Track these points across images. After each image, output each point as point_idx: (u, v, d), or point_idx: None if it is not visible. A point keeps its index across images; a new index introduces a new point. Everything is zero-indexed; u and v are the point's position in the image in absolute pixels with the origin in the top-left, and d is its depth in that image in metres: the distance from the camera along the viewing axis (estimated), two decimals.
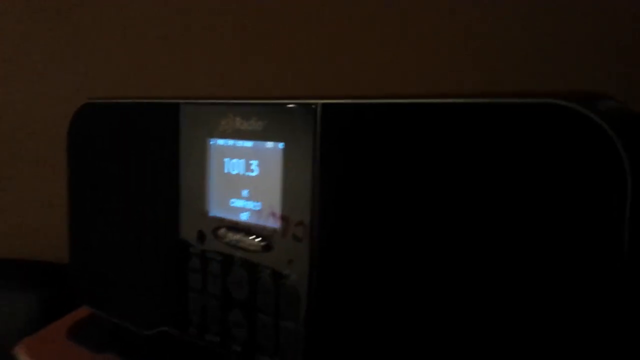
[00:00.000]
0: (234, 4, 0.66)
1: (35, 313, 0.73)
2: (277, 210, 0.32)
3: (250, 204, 0.34)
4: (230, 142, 0.35)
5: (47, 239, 0.83)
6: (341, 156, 0.29)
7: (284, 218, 0.32)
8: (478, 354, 0.25)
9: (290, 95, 0.32)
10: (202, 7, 0.68)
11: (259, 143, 0.33)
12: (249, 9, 0.65)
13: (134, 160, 0.40)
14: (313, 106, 0.30)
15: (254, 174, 0.34)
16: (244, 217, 0.34)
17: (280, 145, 0.32)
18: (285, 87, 0.62)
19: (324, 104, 0.30)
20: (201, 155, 0.36)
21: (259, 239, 0.33)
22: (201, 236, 0.36)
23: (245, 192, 0.34)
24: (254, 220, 0.34)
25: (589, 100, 0.23)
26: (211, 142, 0.36)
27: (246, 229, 0.34)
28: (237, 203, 0.35)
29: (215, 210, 0.36)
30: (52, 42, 0.77)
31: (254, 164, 0.34)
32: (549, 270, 0.23)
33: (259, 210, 0.34)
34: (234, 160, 0.35)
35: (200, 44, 0.68)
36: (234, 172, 0.35)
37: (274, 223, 0.33)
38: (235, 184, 0.35)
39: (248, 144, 0.34)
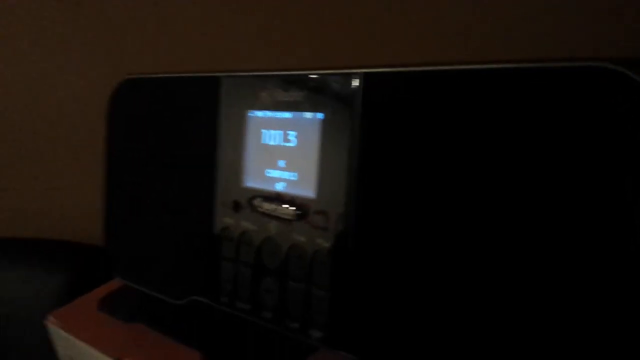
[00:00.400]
0: None
1: (62, 291, 0.74)
2: (314, 179, 0.33)
3: (287, 174, 0.34)
4: (269, 113, 0.35)
5: (74, 220, 0.84)
6: (382, 127, 0.30)
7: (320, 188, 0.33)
8: (504, 331, 0.25)
9: (331, 65, 0.33)
10: None
11: (298, 114, 0.34)
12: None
13: (172, 133, 0.41)
14: (355, 76, 0.31)
15: (291, 144, 0.34)
16: (279, 187, 0.35)
17: (320, 115, 0.33)
18: None
19: (365, 74, 0.30)
20: (239, 127, 0.37)
21: (294, 207, 0.34)
22: (237, 206, 0.37)
23: (281, 163, 0.35)
24: (289, 190, 0.34)
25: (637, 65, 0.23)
26: (249, 114, 0.36)
27: (281, 199, 0.34)
28: (273, 173, 0.35)
29: (252, 180, 0.36)
30: (74, 27, 0.78)
31: (292, 134, 0.34)
32: (601, 236, 0.23)
33: (295, 180, 0.34)
34: (272, 132, 0.35)
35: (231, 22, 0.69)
36: (272, 143, 0.35)
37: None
38: (272, 154, 0.35)
39: (287, 114, 0.34)
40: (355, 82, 0.31)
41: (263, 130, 0.36)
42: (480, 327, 0.26)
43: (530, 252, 0.24)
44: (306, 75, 0.33)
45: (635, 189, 0.22)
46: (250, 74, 0.36)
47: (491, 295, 0.26)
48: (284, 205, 0.34)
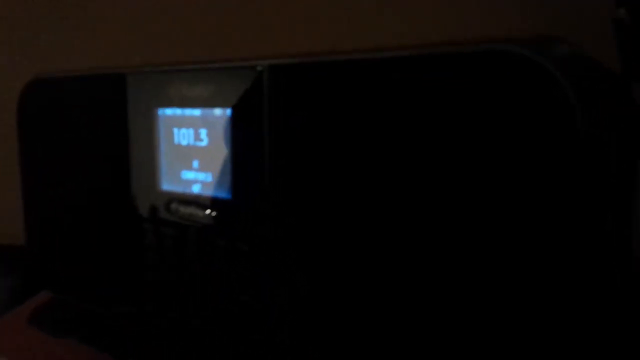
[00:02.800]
0: None
1: (8, 297, 0.71)
2: (228, 180, 0.31)
3: (202, 176, 0.32)
4: (179, 111, 0.33)
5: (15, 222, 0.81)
6: (291, 119, 0.28)
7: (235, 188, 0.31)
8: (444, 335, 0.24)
9: (238, 56, 0.31)
10: None
11: (207, 110, 0.32)
12: None
13: (84, 134, 0.39)
14: (259, 68, 0.29)
15: (203, 143, 0.32)
16: (195, 189, 0.33)
17: (229, 111, 0.31)
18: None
19: (270, 66, 0.28)
20: (150, 126, 0.34)
21: (212, 211, 0.32)
22: (154, 211, 0.35)
23: (195, 163, 0.33)
24: (206, 192, 0.32)
25: (537, 44, 0.21)
26: (159, 112, 0.34)
27: (198, 202, 0.33)
28: (189, 175, 0.33)
29: (167, 183, 0.34)
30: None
31: (203, 133, 0.32)
32: (504, 228, 0.22)
33: (210, 182, 0.32)
34: (183, 130, 0.33)
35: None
36: (184, 143, 0.33)
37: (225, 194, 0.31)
38: (186, 155, 0.33)
39: (196, 112, 0.32)
40: (260, 75, 0.29)
41: (175, 129, 0.33)
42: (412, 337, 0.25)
43: (453, 251, 0.23)
44: (211, 68, 0.31)
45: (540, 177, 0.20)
46: (155, 69, 0.34)
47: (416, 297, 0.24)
48: (202, 210, 0.32)
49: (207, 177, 0.32)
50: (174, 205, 0.34)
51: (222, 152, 0.31)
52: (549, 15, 0.46)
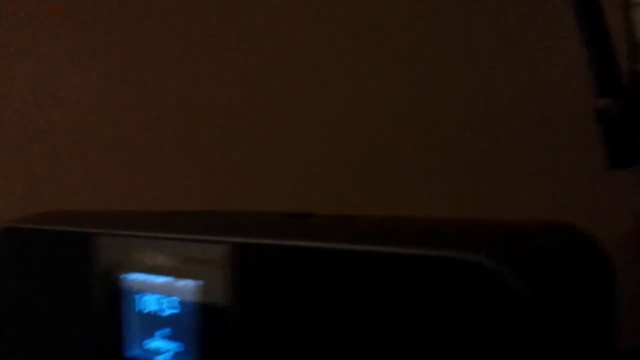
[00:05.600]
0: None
1: None
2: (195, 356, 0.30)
3: (168, 345, 0.31)
4: (144, 277, 0.32)
5: None
6: (257, 295, 0.27)
7: None
8: None
9: (205, 230, 0.31)
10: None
11: (173, 280, 0.31)
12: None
13: (49, 289, 0.38)
14: (225, 245, 0.28)
15: (169, 312, 0.31)
16: (162, 359, 0.31)
17: (194, 282, 0.30)
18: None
19: (234, 243, 0.28)
20: (115, 290, 0.33)
21: None
22: None
23: (161, 332, 0.31)
24: None
25: (504, 248, 0.21)
26: (125, 277, 0.33)
27: None
28: (154, 344, 0.32)
29: (131, 350, 0.33)
30: None
31: (169, 301, 0.31)
32: None
33: (176, 352, 0.31)
34: (149, 297, 0.32)
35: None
36: (150, 310, 0.32)
37: None
38: (151, 323, 0.32)
39: (162, 279, 0.31)
40: (227, 251, 0.28)
41: (139, 296, 0.32)
42: None
43: None
44: (177, 239, 0.31)
45: None
46: (121, 232, 0.33)
47: None
48: None
49: (172, 347, 0.31)
50: None
51: (186, 323, 0.30)
52: None
